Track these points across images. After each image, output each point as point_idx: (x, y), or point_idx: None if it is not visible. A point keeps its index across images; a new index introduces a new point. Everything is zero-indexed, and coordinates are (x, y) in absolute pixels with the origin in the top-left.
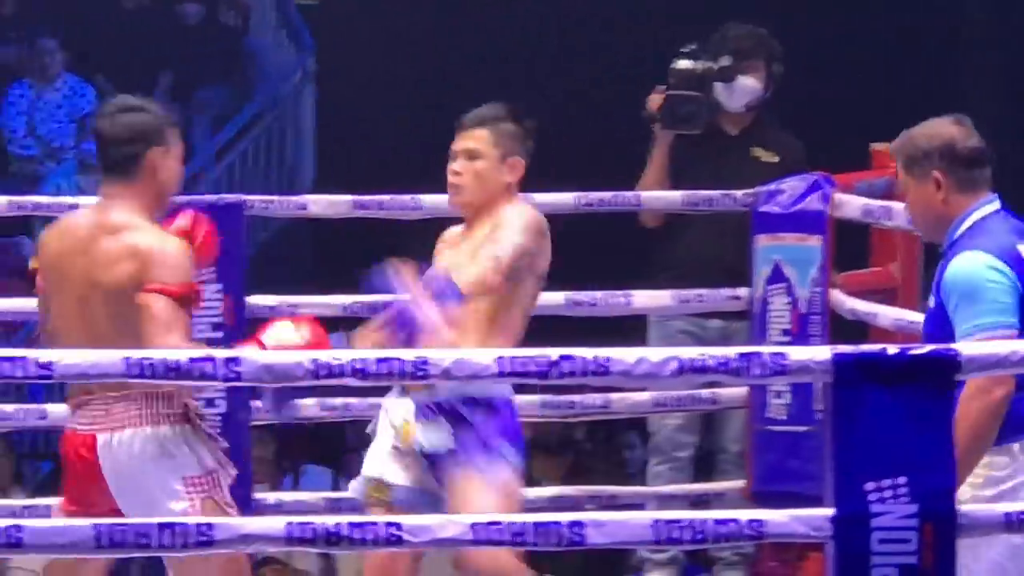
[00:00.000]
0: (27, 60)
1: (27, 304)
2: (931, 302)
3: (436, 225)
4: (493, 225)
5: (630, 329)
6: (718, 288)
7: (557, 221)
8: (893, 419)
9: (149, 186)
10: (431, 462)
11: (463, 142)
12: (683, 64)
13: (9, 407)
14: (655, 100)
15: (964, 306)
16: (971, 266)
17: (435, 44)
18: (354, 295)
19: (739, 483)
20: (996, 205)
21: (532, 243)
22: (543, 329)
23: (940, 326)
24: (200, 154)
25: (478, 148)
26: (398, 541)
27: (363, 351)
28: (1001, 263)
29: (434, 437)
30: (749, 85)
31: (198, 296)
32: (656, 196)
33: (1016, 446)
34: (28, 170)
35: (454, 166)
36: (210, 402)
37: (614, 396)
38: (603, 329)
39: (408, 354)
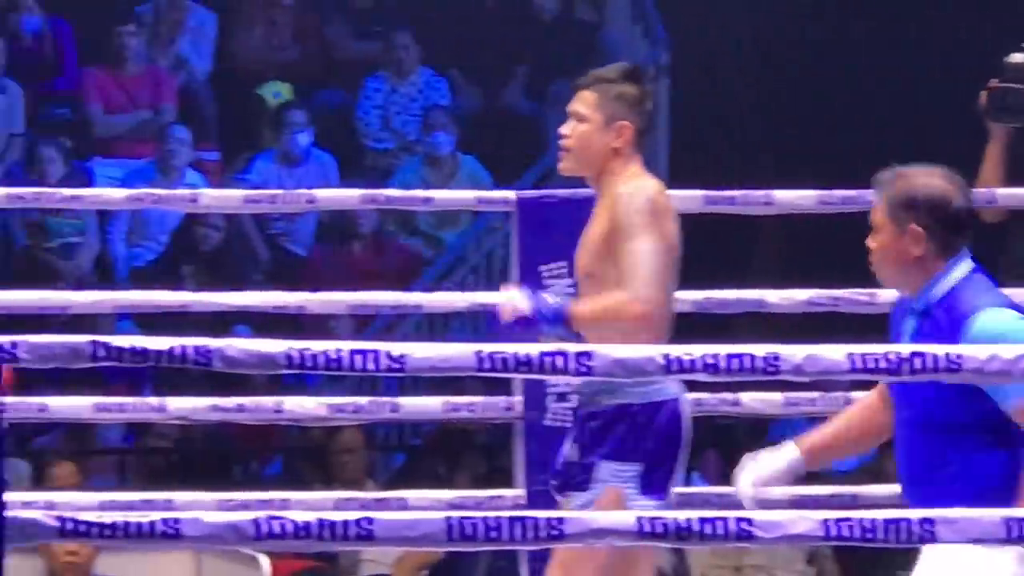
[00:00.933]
0: (383, 54)
1: (378, 297)
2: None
3: (790, 221)
4: (608, 208)
5: None
6: None
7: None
8: None
9: None
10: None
11: (572, 104)
12: (1017, 58)
13: (363, 400)
14: (986, 94)
15: None
16: (1005, 322)
17: (788, 37)
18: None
19: None
20: (971, 264)
21: (657, 233)
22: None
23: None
24: (554, 149)
25: (582, 111)
26: (748, 537)
27: (715, 346)
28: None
29: None
30: None
31: None
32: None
33: None
34: (382, 164)
35: (562, 128)
36: (562, 396)
37: None
38: None
39: (760, 349)
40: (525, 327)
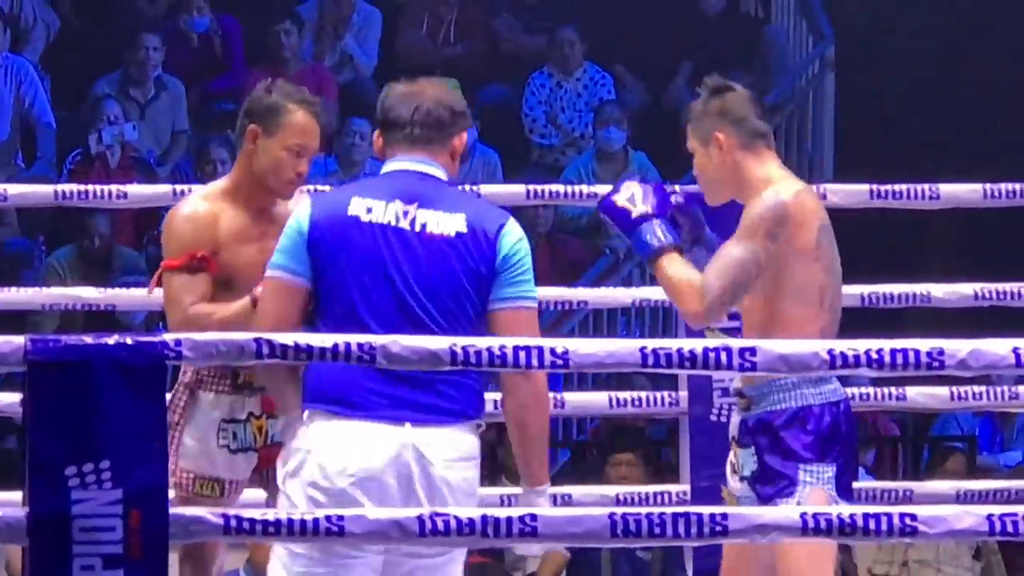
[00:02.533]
0: (548, 50)
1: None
2: None
3: (955, 215)
4: None
5: None
6: None
7: None
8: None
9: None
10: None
11: None
12: None
13: None
14: None
15: None
16: None
17: (954, 29)
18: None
19: None
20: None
21: (758, 246)
22: None
23: None
24: None
25: (689, 146)
26: (913, 532)
27: (879, 341)
28: None
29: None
30: None
31: (202, 261)
32: None
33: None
34: (548, 159)
35: None
36: (727, 391)
37: None
38: None
39: (924, 344)
40: (620, 222)
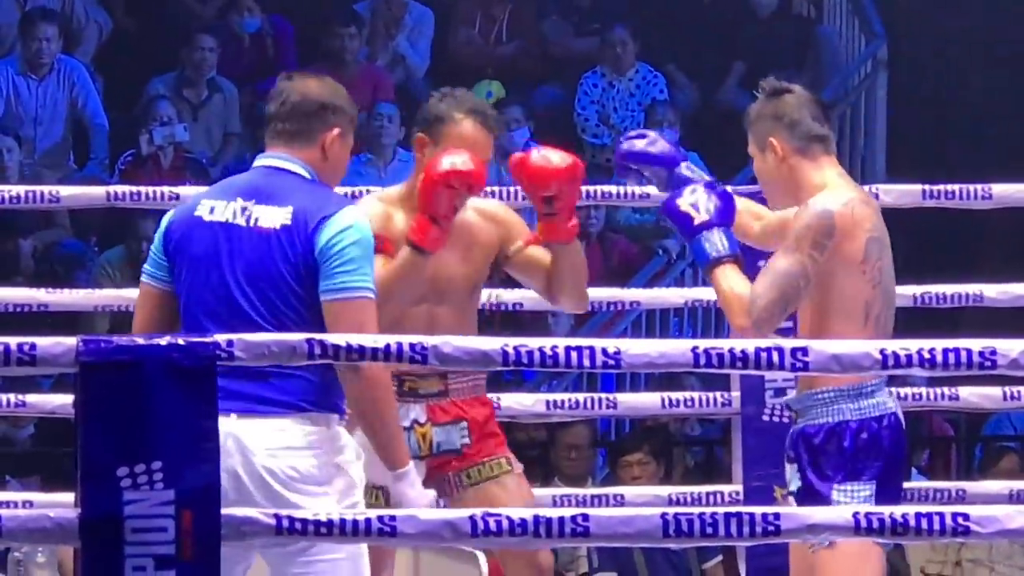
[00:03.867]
0: (600, 50)
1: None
2: None
3: (1009, 215)
4: None
5: None
6: None
7: None
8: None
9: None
10: None
11: None
12: None
13: (580, 396)
14: None
15: None
16: None
17: (1006, 28)
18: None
19: None
20: None
21: (805, 257)
22: None
23: None
24: None
25: (749, 151)
26: (965, 532)
27: (931, 341)
28: None
29: None
30: None
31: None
32: None
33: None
34: (600, 159)
35: None
36: (780, 391)
37: None
38: None
39: (976, 344)
40: (682, 227)
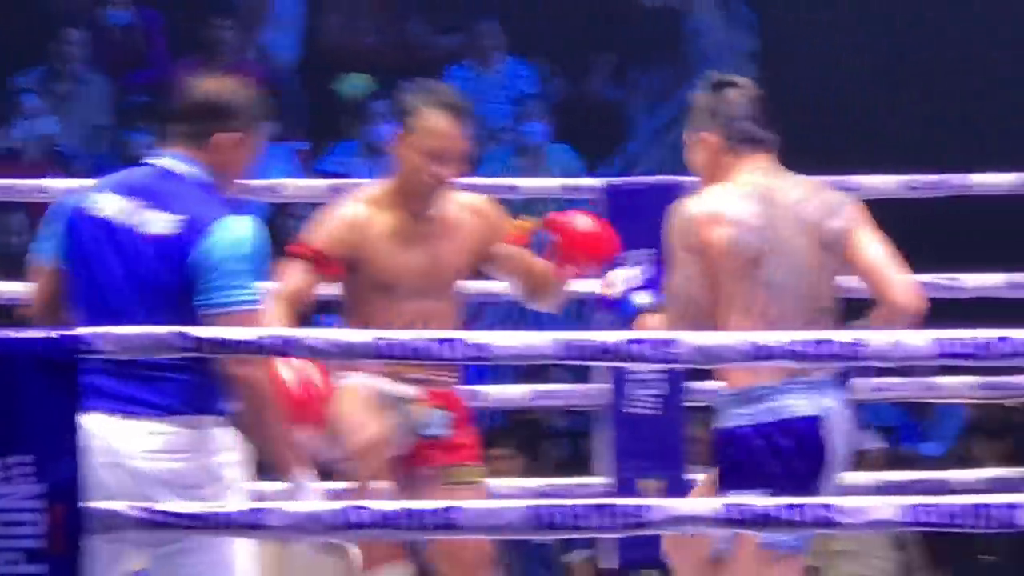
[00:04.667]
0: (469, 43)
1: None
2: None
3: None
4: None
5: None
6: None
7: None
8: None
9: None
10: None
11: None
12: None
13: None
14: None
15: None
16: None
17: (876, 19)
18: None
19: None
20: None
21: (681, 263)
22: (979, 310)
23: None
24: (639, 136)
25: (685, 136)
26: (830, 523)
27: (796, 333)
28: None
29: None
30: None
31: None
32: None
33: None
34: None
35: None
36: (645, 383)
37: None
38: None
39: (844, 336)
40: (609, 309)
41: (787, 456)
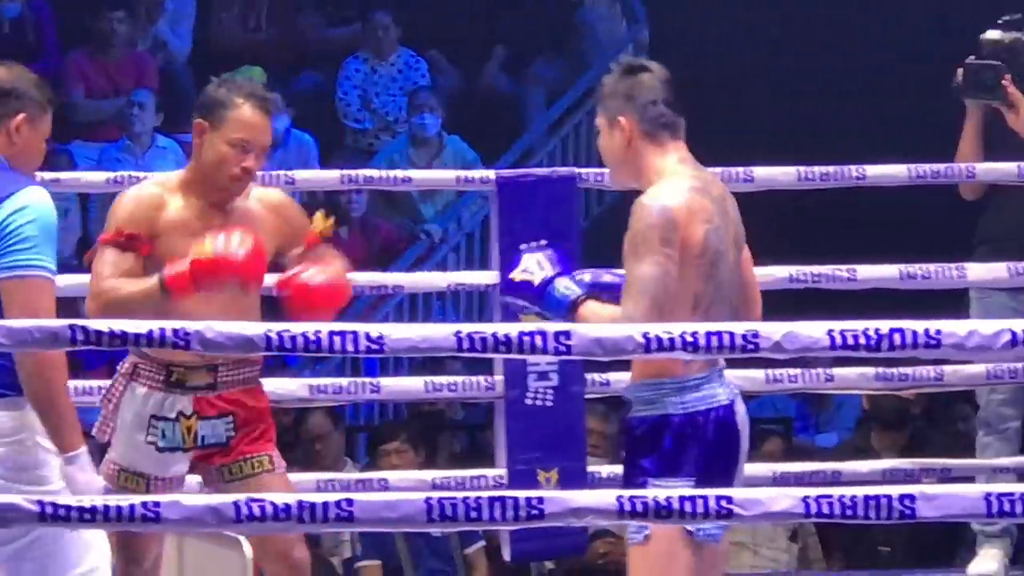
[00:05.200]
0: (363, 35)
1: (358, 277)
2: None
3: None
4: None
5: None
6: None
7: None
8: None
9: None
10: None
11: None
12: (992, 35)
13: (344, 380)
14: (962, 71)
15: None
16: None
17: (768, 11)
18: None
19: None
20: None
21: (660, 256)
22: (875, 301)
23: None
24: (534, 127)
25: (596, 123)
26: (728, 515)
27: (694, 325)
28: None
29: None
30: None
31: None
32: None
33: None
34: (362, 144)
35: None
36: (543, 375)
37: (947, 368)
38: (931, 303)
39: (739, 327)
40: (526, 296)
41: (711, 444)
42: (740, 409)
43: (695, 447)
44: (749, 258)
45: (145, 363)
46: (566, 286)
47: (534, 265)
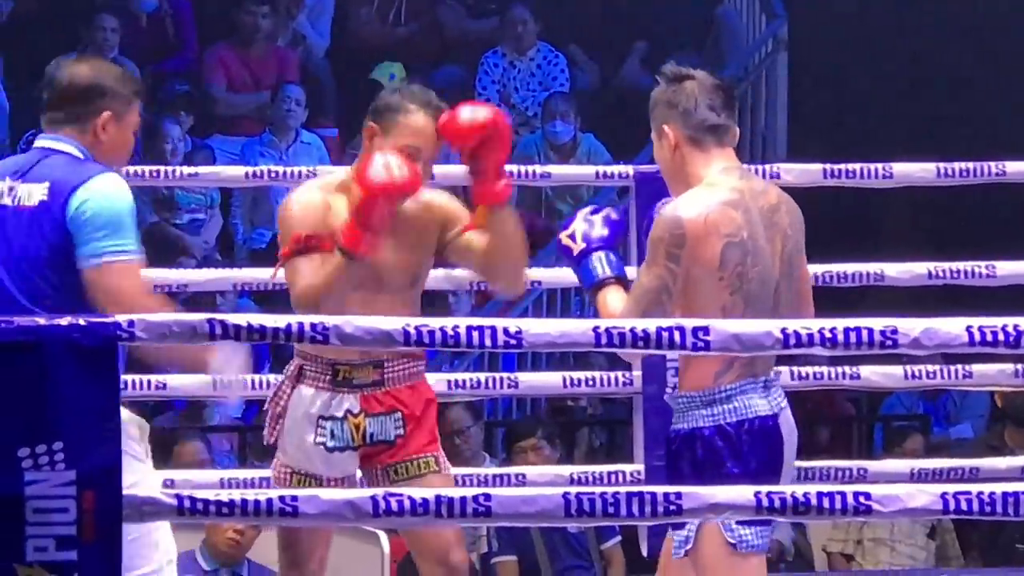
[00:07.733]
0: (500, 30)
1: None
2: None
3: (911, 194)
4: None
5: None
6: None
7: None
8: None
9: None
10: None
11: None
12: None
13: (482, 375)
14: None
15: None
16: None
17: (907, 9)
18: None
19: None
20: None
21: (661, 270)
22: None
23: None
24: None
25: (652, 135)
26: (867, 511)
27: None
28: None
29: None
30: None
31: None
32: None
33: None
34: None
35: None
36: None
37: None
38: None
39: (877, 323)
40: (567, 260)
41: (747, 456)
42: (786, 420)
43: (728, 459)
44: (806, 270)
45: (310, 364)
46: (600, 262)
47: (580, 229)
